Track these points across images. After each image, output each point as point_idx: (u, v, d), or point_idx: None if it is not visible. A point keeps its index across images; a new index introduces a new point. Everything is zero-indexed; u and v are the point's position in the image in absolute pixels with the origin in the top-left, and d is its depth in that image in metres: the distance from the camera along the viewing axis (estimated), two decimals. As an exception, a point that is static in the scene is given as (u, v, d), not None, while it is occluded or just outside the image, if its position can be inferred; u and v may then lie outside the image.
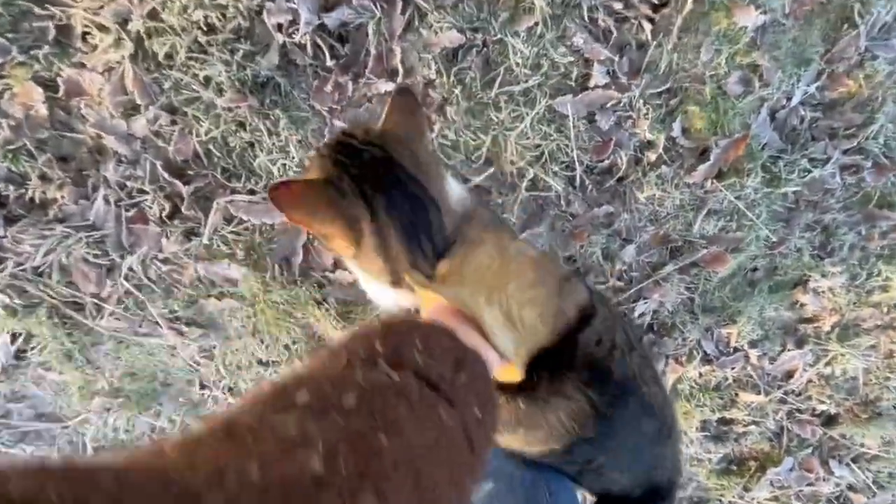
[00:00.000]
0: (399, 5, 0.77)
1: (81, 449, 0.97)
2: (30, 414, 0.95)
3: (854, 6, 0.85)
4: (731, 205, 0.93)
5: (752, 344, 1.06)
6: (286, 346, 0.93)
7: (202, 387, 0.95)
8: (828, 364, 1.10)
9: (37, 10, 0.74)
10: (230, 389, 0.95)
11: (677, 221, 0.94)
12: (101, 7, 0.73)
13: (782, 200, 0.95)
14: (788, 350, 1.07)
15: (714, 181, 0.91)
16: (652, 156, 0.88)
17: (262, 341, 0.92)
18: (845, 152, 0.93)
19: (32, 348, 0.89)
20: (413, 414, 0.28)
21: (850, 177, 0.96)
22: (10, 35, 0.74)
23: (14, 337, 0.88)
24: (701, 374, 1.07)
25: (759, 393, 1.08)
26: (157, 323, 0.89)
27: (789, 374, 1.10)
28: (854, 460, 1.20)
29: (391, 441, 0.25)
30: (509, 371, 0.47)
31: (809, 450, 1.17)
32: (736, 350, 1.06)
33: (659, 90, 0.85)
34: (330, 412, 0.25)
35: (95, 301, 0.86)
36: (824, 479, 1.18)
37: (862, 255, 1.02)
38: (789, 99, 0.89)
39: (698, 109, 0.87)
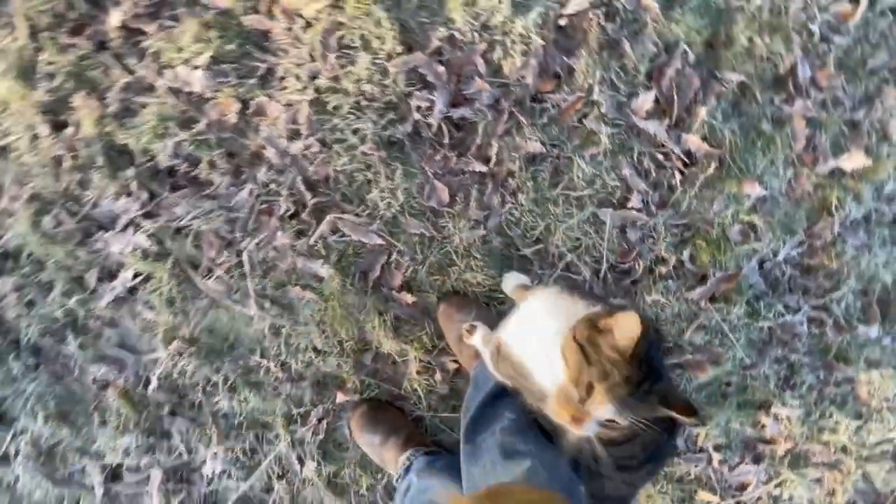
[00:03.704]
0: (505, 116, 1.06)
1: (144, 385, 1.14)
2: (115, 340, 1.14)
3: (833, 200, 1.13)
4: (717, 325, 1.16)
5: (717, 448, 1.23)
6: (340, 342, 1.13)
7: (261, 356, 1.13)
8: (777, 486, 1.26)
9: (256, 53, 1.03)
10: (282, 365, 1.14)
11: (672, 327, 1.16)
12: (301, 64, 1.03)
13: (759, 332, 1.18)
14: (746, 463, 1.24)
15: (707, 302, 1.14)
16: (663, 270, 1.13)
17: (324, 332, 1.12)
18: (814, 308, 1.17)
19: (144, 288, 1.10)
20: None
21: (816, 328, 1.18)
22: (234, 64, 1.03)
23: (136, 275, 1.09)
24: (668, 465, 1.23)
25: (715, 494, 1.24)
26: (247, 295, 1.10)
27: (743, 486, 1.26)
28: (790, 588, 1.31)
29: None
30: None
31: (752, 565, 1.29)
32: (701, 450, 1.24)
33: (677, 223, 1.11)
34: None
35: (210, 265, 1.09)
36: None
37: (818, 396, 1.22)
38: (775, 255, 1.14)
39: (705, 244, 1.13)
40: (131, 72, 1.03)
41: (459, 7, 1.01)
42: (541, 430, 0.76)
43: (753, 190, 1.10)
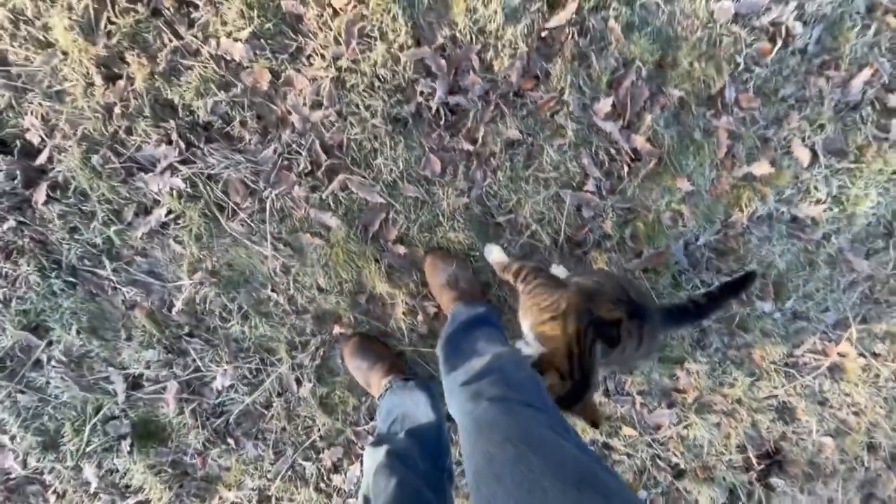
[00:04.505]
0: (492, 106, 1.29)
1: (168, 308, 1.33)
2: (145, 268, 1.32)
3: (745, 199, 1.41)
4: (648, 291, 1.43)
5: (640, 393, 1.52)
6: (340, 283, 1.35)
7: (272, 290, 1.34)
8: (686, 427, 1.56)
9: (290, 33, 1.23)
10: (289, 299, 1.35)
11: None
12: (327, 47, 1.23)
13: (680, 300, 1.46)
14: (662, 407, 1.54)
15: (641, 272, 1.42)
16: (608, 244, 1.39)
17: (327, 273, 1.34)
18: (723, 284, 1.46)
19: (176, 225, 1.29)
20: None
21: (724, 301, 1.48)
22: (270, 40, 1.22)
23: (169, 213, 1.28)
24: (601, 403, 1.51)
25: (636, 430, 1.53)
26: (264, 237, 1.30)
27: (658, 426, 1.56)
28: (689, 512, 1.62)
29: None
30: None
31: (660, 490, 1.60)
32: (628, 394, 1.52)
33: (623, 206, 1.38)
34: None
35: (235, 208, 1.28)
36: (664, 520, 1.60)
37: (722, 356, 1.52)
38: (697, 239, 1.42)
39: (643, 226, 1.40)
40: (181, 38, 1.20)
41: (462, 12, 1.24)
42: None
43: (684, 185, 1.37)
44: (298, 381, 1.39)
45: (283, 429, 1.43)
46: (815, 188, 1.41)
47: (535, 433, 0.73)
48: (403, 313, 1.37)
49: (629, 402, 1.52)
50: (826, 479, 1.66)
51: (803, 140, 1.39)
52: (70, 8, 1.17)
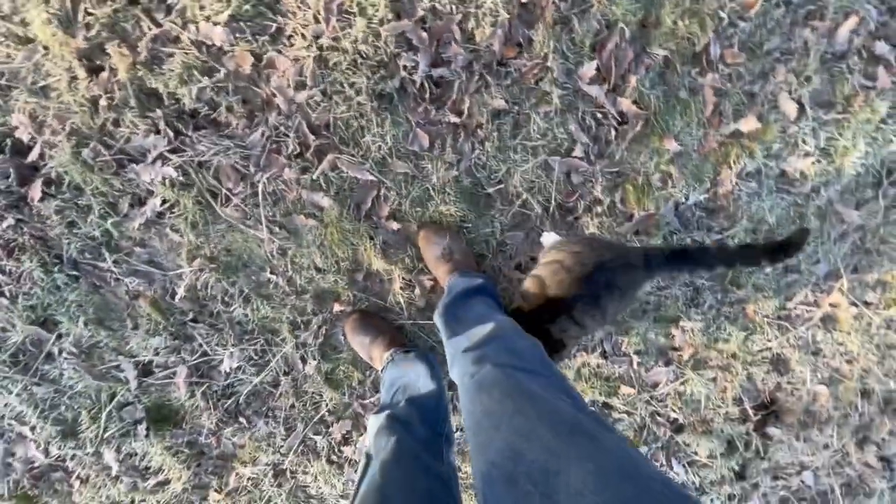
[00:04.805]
0: (476, 77, 1.29)
1: (171, 296, 1.36)
2: (145, 258, 1.35)
3: (732, 156, 1.42)
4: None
5: (637, 353, 1.56)
6: (337, 262, 1.37)
7: (271, 272, 1.37)
8: (683, 384, 1.60)
9: (269, 14, 1.22)
10: (289, 280, 1.38)
11: (606, 255, 1.45)
12: (307, 25, 1.22)
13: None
14: (658, 365, 1.58)
15: (633, 235, 1.44)
16: (599, 209, 1.41)
17: (323, 253, 1.36)
18: (716, 242, 1.48)
19: (171, 214, 1.31)
20: None
21: (716, 259, 1.50)
22: (249, 22, 1.22)
23: (163, 202, 1.30)
24: (598, 365, 1.55)
25: (633, 388, 1.57)
26: (259, 220, 1.32)
27: (656, 384, 1.60)
28: (689, 464, 1.68)
29: None
30: None
31: (660, 445, 1.65)
32: (625, 354, 1.56)
33: (612, 170, 1.39)
34: None
35: (228, 194, 1.30)
36: (665, 472, 1.66)
37: (716, 313, 1.56)
38: (687, 199, 1.44)
39: (632, 189, 1.41)
40: (159, 25, 1.20)
41: (440, -18, 1.22)
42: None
43: (672, 145, 1.38)
44: (303, 360, 1.44)
45: (292, 405, 1.48)
46: (803, 141, 1.42)
47: (537, 393, 0.76)
48: (401, 288, 1.40)
49: (626, 362, 1.56)
50: (821, 426, 1.71)
51: (790, 93, 1.38)
52: (46, 1, 1.16)
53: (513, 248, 1.42)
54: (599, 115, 1.35)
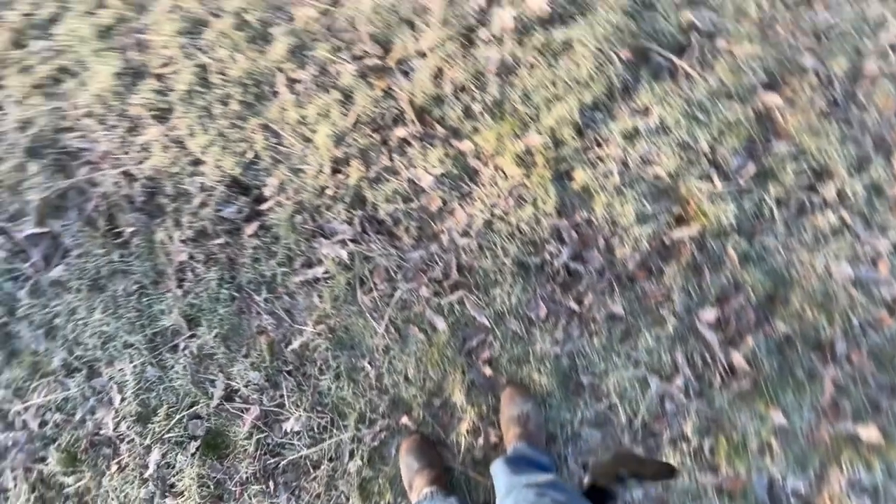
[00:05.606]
0: (605, 281, 1.49)
1: (286, 343, 1.58)
2: (286, 306, 1.62)
3: (845, 458, 1.33)
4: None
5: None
6: (425, 379, 1.50)
7: (368, 362, 1.53)
8: None
9: (467, 180, 1.62)
10: (378, 376, 1.52)
11: (677, 497, 1.36)
12: (490, 197, 1.58)
13: (753, 543, 1.32)
14: None
15: (714, 491, 1.35)
16: (685, 447, 1.38)
17: (418, 367, 1.50)
18: None
19: (325, 282, 1.60)
20: None
21: None
22: (450, 180, 1.62)
23: (325, 272, 1.60)
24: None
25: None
26: (382, 316, 1.55)
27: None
28: None
29: None
30: None
31: None
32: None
33: (708, 414, 1.39)
34: None
35: (372, 286, 1.57)
36: None
37: None
38: (784, 480, 1.34)
39: (725, 443, 1.37)
40: (391, 160, 1.66)
41: (602, 205, 1.53)
42: None
43: (778, 417, 1.36)
44: (352, 455, 1.49)
45: (318, 496, 1.49)
46: (935, 479, 1.29)
47: None
48: (467, 431, 1.45)
49: None
50: None
51: (921, 421, 1.33)
52: (334, 123, 1.70)
53: (585, 444, 1.42)
54: (708, 358, 1.42)
